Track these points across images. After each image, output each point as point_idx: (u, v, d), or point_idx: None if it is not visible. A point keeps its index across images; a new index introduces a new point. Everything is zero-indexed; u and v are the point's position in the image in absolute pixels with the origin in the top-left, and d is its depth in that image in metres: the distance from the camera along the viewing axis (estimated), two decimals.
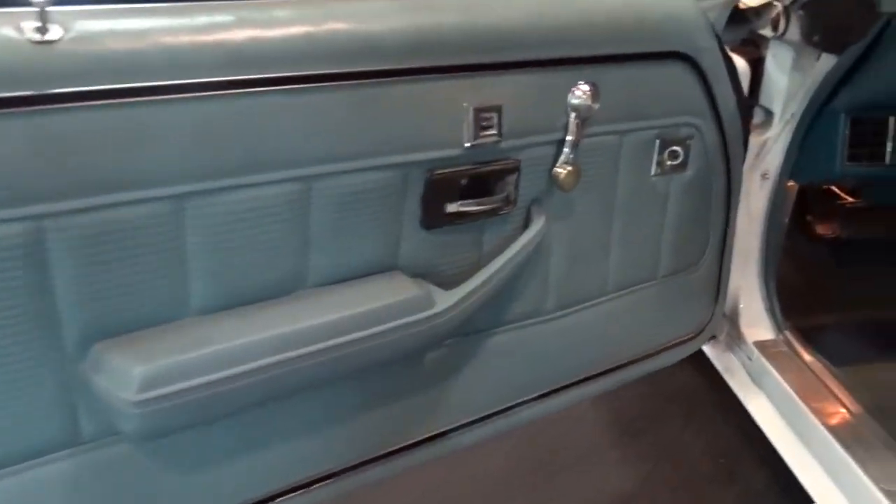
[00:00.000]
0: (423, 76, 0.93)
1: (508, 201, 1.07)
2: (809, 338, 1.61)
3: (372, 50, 0.90)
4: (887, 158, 1.44)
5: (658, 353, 1.43)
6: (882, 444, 1.32)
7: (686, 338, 1.46)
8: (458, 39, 0.95)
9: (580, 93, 1.08)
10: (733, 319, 1.65)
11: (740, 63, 1.40)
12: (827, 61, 1.39)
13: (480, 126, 0.99)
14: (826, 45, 1.34)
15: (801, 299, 1.76)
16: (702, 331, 1.48)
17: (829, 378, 1.47)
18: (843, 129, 1.41)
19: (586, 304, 1.26)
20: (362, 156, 0.92)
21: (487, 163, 1.02)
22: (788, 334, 1.59)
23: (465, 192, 1.02)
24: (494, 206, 1.05)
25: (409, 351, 1.01)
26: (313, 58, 0.86)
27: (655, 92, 1.20)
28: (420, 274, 1.04)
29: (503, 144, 1.02)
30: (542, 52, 1.03)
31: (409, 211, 0.99)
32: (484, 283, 1.05)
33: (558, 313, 1.23)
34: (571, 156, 1.10)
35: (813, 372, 1.49)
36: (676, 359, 1.47)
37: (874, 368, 1.63)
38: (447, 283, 1.07)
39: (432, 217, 1.01)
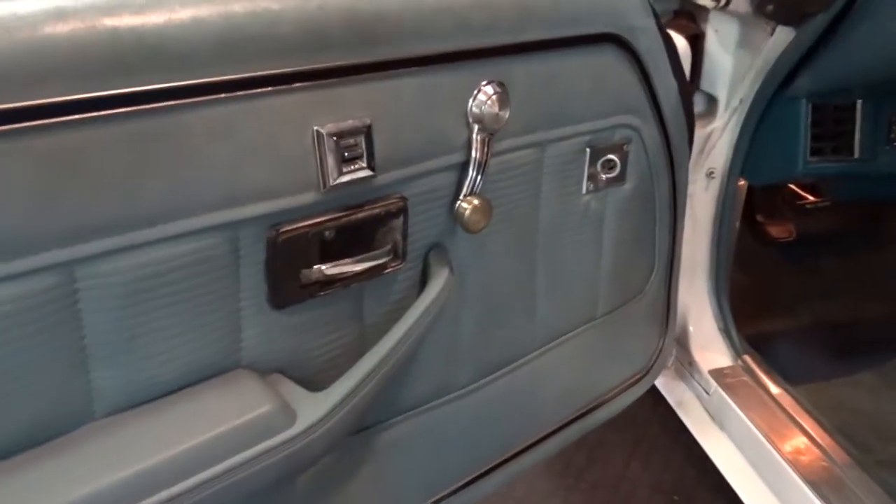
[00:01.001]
0: (246, 92, 0.62)
1: (395, 255, 0.77)
2: (771, 360, 1.38)
3: (161, 57, 0.58)
4: (856, 151, 1.21)
5: (606, 401, 1.17)
6: (871, 498, 1.09)
7: (636, 377, 1.21)
8: (296, 35, 0.64)
9: (484, 97, 0.78)
10: (683, 343, 1.41)
11: (680, 42, 1.13)
12: (783, 36, 1.13)
13: (342, 157, 0.68)
14: (782, 17, 1.09)
15: (756, 312, 1.53)
16: (652, 366, 1.23)
17: (800, 412, 1.24)
18: (804, 118, 1.17)
19: (511, 365, 0.98)
20: (157, 220, 0.60)
21: (359, 207, 0.72)
22: (748, 359, 1.35)
23: (329, 251, 0.72)
24: (375, 263, 0.75)
25: (266, 485, 0.70)
26: (52, 76, 0.54)
27: (582, 88, 0.92)
28: (278, 367, 0.74)
29: (379, 179, 0.72)
30: (426, 44, 0.73)
31: (250, 286, 0.68)
32: (371, 374, 0.75)
33: (476, 384, 0.94)
34: (478, 183, 0.80)
35: (781, 406, 1.25)
36: (628, 402, 1.21)
37: (845, 388, 1.42)
38: (320, 375, 0.76)
39: (284, 291, 0.70)
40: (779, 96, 1.17)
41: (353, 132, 0.68)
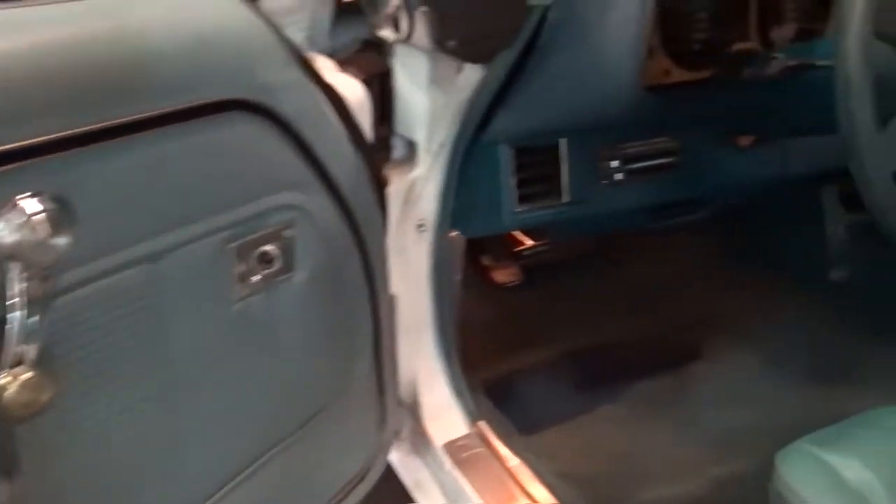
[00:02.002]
0: None
1: None
2: (516, 411, 1.27)
3: None
4: (565, 194, 1.10)
5: None
6: None
7: (353, 482, 1.02)
8: None
9: (17, 220, 0.53)
10: (416, 415, 1.25)
11: (352, 89, 0.94)
12: (473, 74, 0.98)
13: None
14: (466, 54, 0.93)
15: (497, 357, 1.41)
16: (372, 465, 1.05)
17: (536, 485, 1.12)
18: (507, 164, 1.04)
19: None
20: None
21: None
22: (483, 425, 1.21)
23: None
24: None
25: None
26: None
27: (207, 173, 0.70)
28: None
29: None
30: None
31: None
32: None
33: None
34: (27, 343, 0.55)
35: (515, 479, 1.13)
36: None
37: (596, 427, 1.35)
38: None
39: None
40: (479, 140, 1.03)
41: None
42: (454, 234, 1.14)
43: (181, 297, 0.69)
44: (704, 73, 1.14)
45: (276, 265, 0.79)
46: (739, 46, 1.16)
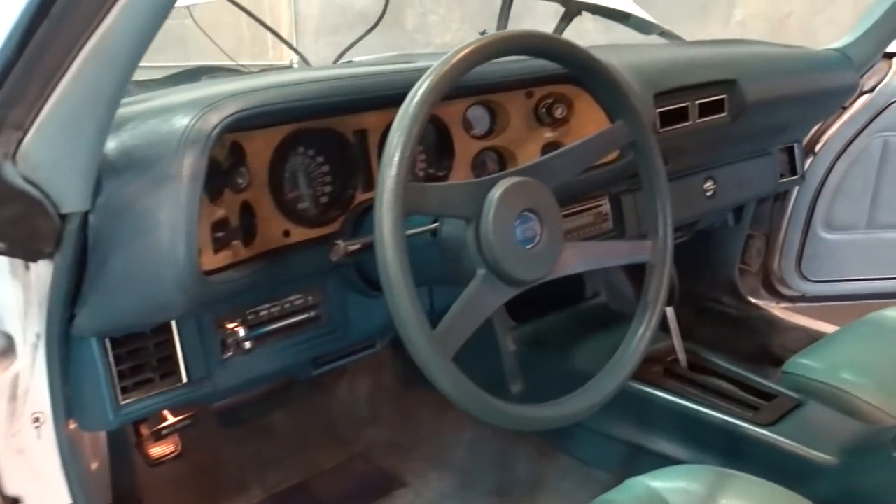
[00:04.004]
0: None
1: None
2: None
3: None
4: (183, 376, 1.03)
5: None
6: None
7: None
8: None
9: None
10: None
11: None
12: (43, 269, 0.89)
13: None
14: (16, 254, 0.86)
15: None
16: None
17: None
18: (99, 357, 0.95)
19: None
20: None
21: None
22: None
23: None
24: None
25: None
26: None
27: None
28: None
29: None
30: None
31: None
32: None
33: None
34: None
35: None
36: None
37: None
38: None
39: None
40: (70, 333, 0.94)
41: None
42: (73, 426, 1.04)
43: None
44: (329, 229, 1.12)
45: None
46: (362, 197, 1.16)
